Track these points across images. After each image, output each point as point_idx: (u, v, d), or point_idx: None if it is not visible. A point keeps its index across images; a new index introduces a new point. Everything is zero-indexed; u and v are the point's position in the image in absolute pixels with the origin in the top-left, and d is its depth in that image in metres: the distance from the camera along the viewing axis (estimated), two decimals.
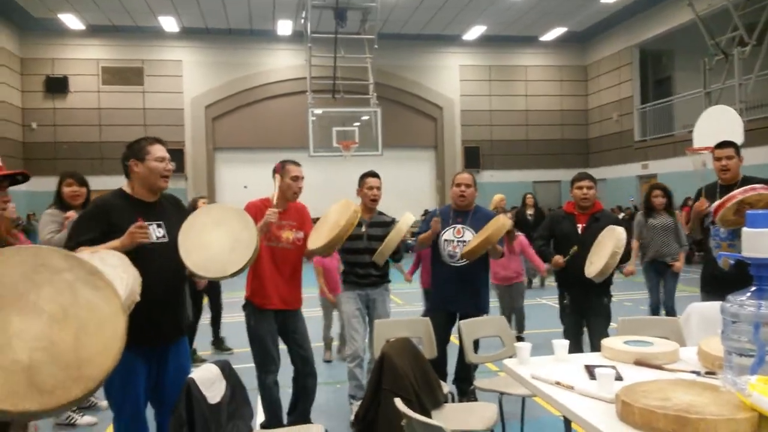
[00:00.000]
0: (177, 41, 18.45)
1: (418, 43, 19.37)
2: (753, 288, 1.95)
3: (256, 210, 3.49)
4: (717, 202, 3.65)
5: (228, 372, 2.73)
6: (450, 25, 18.26)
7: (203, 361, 5.82)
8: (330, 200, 5.83)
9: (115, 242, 2.65)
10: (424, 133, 20.15)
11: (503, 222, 3.89)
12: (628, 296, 9.00)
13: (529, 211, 10.55)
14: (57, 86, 17.73)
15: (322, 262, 5.52)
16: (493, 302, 6.14)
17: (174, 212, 2.99)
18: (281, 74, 18.96)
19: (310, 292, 6.33)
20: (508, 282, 6.01)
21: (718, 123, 9.87)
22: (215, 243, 2.80)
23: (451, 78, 20.14)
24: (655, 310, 6.14)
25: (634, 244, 6.31)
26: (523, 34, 19.28)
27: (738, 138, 9.18)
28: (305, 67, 15.50)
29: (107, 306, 1.47)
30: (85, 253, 2.08)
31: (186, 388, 2.43)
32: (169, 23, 17.35)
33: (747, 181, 3.90)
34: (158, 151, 2.84)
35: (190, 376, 2.49)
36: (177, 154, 17.96)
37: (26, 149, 17.57)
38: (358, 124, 15.43)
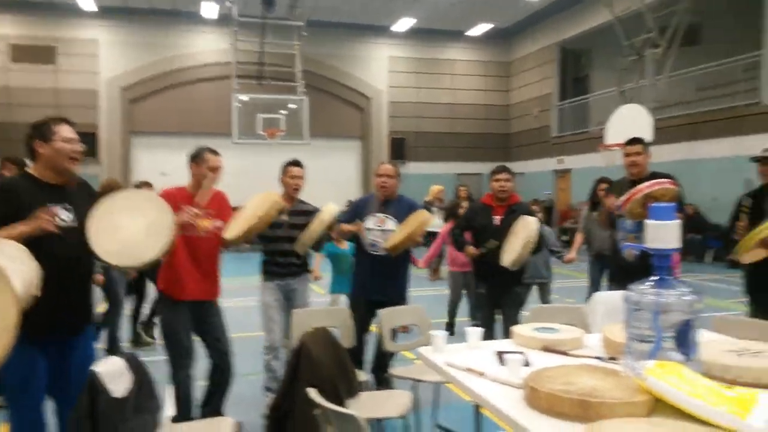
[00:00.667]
0: (94, 19, 17.51)
1: (348, 32, 19.27)
2: (654, 278, 2.05)
3: (171, 199, 3.35)
4: (625, 196, 3.82)
5: (135, 365, 2.62)
6: (380, 15, 18.28)
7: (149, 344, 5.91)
8: (254, 187, 5.74)
9: (21, 226, 2.51)
10: (352, 124, 20.12)
11: (425, 218, 3.93)
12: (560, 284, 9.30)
13: (464, 203, 10.58)
14: None
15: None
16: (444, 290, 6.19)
17: (84, 196, 2.86)
18: (205, 58, 18.36)
19: (229, 283, 6.22)
20: (467, 268, 5.64)
21: (630, 121, 10.39)
22: (128, 229, 2.69)
23: (380, 69, 20.18)
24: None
25: (578, 237, 6.52)
26: (451, 29, 19.57)
27: (647, 135, 9.71)
28: (230, 50, 15.10)
29: None
30: None
31: (89, 381, 2.31)
32: (85, 1, 16.41)
33: (654, 175, 4.10)
34: (65, 131, 2.69)
35: (93, 368, 2.37)
36: (89, 138, 17.02)
37: None
38: (285, 112, 15.21)
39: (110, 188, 5.03)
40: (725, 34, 13.97)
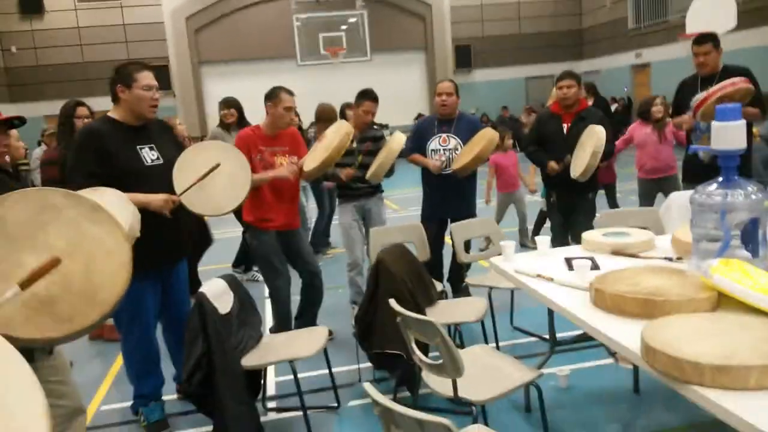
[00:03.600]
0: None
1: None
2: (720, 178, 2.08)
3: (249, 140, 3.56)
4: (698, 99, 3.72)
5: (235, 285, 2.92)
6: None
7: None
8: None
9: (143, 198, 2.69)
10: (413, 34, 19.59)
11: (491, 136, 3.94)
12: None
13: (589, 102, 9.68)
14: (31, 6, 17.08)
15: (496, 160, 5.86)
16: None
17: (163, 134, 3.06)
18: None
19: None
20: (660, 174, 5.32)
21: (712, 6, 9.63)
22: (210, 180, 2.89)
23: None
24: None
25: None
26: None
27: (731, 21, 9.02)
28: None
29: (111, 238, 1.60)
30: (87, 190, 2.16)
31: (197, 301, 2.62)
32: None
33: (725, 70, 3.95)
34: (145, 78, 2.82)
35: (200, 290, 2.68)
36: (162, 71, 17.53)
37: (9, 75, 17.19)
38: (345, 27, 15.02)
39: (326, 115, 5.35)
40: None
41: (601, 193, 5.53)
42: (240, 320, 2.86)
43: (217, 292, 2.75)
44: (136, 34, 17.69)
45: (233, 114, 5.46)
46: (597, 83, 10.01)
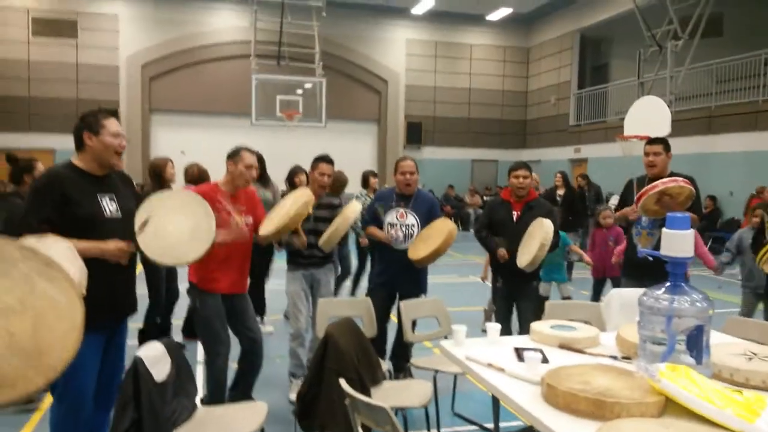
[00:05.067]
0: None
1: (367, 13, 19.22)
2: (668, 284, 2.16)
3: (207, 197, 3.48)
4: (640, 191, 3.86)
5: (174, 350, 2.78)
6: None
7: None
8: (272, 168, 5.89)
9: (93, 247, 2.60)
10: (369, 107, 20.12)
11: (450, 230, 3.99)
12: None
13: (560, 192, 9.86)
14: None
15: None
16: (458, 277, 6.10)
17: (125, 186, 2.97)
18: (225, 36, 18.39)
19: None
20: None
21: (649, 112, 10.34)
22: (174, 229, 2.80)
23: (398, 52, 20.13)
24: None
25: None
26: (471, 12, 19.44)
27: (665, 128, 9.69)
28: (250, 30, 15.14)
29: (63, 296, 1.50)
30: (31, 240, 2.04)
31: (133, 366, 2.47)
32: None
33: (672, 176, 4.15)
34: (113, 125, 2.77)
35: (137, 354, 2.53)
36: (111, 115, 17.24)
37: None
38: (301, 91, 15.26)
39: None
40: (747, 26, 13.82)
41: None
42: (175, 389, 2.70)
43: (155, 357, 2.61)
44: (89, 75, 17.38)
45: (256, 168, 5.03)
46: (538, 172, 10.48)
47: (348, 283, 6.98)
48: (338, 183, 5.64)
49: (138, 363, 2.46)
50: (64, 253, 2.00)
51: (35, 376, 1.37)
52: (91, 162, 2.78)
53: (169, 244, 2.78)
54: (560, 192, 9.84)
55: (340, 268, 6.47)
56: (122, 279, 2.77)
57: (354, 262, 6.94)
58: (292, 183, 5.75)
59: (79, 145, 2.77)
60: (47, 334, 1.42)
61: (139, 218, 2.78)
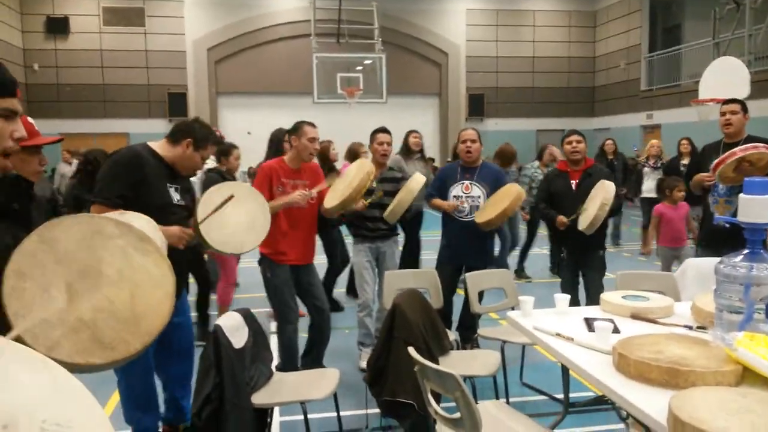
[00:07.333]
0: None
1: None
2: (746, 251, 2.09)
3: (272, 172, 3.61)
4: (717, 159, 3.73)
5: (250, 319, 2.92)
6: None
7: None
8: (335, 146, 5.97)
9: (165, 229, 2.69)
10: (429, 80, 19.91)
11: (518, 192, 3.99)
12: (628, 247, 9.19)
13: (684, 160, 8.17)
14: (58, 27, 17.41)
15: (662, 211, 5.56)
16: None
17: (186, 180, 3.11)
18: (285, 16, 18.56)
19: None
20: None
21: (725, 75, 9.81)
22: (233, 221, 2.94)
23: (458, 23, 19.74)
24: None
25: None
26: None
27: (744, 90, 9.17)
28: (309, 9, 15.24)
29: (157, 269, 1.63)
30: (115, 214, 2.17)
31: (213, 334, 2.62)
32: None
33: (750, 140, 3.95)
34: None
35: (216, 322, 2.67)
36: (180, 98, 17.84)
37: (29, 91, 17.44)
38: (361, 68, 15.29)
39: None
40: None
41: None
42: (252, 355, 2.84)
43: (233, 326, 2.75)
44: (158, 60, 18.01)
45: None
46: (609, 137, 10.14)
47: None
48: (509, 155, 6.58)
49: (218, 331, 2.60)
50: (147, 227, 2.13)
51: (133, 340, 1.49)
52: (170, 156, 2.94)
53: (229, 234, 2.91)
54: (684, 161, 8.02)
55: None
56: (176, 258, 2.88)
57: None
58: (353, 159, 5.83)
59: (177, 141, 2.93)
60: (143, 302, 1.54)
61: (218, 199, 2.91)
